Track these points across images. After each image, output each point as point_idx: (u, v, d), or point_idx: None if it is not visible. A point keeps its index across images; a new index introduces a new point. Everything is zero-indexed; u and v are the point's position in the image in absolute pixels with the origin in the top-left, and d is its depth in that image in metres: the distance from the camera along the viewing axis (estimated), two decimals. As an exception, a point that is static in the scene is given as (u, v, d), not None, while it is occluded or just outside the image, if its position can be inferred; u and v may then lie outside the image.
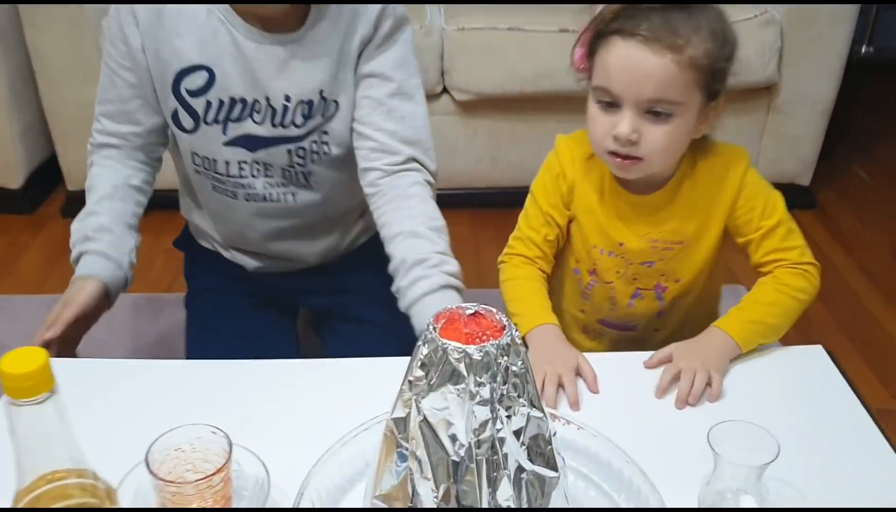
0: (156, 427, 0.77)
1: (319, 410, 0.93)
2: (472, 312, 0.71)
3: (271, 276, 1.34)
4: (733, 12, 2.08)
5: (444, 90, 2.19)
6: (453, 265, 1.09)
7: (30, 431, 0.60)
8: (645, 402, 0.96)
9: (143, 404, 0.94)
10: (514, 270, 1.15)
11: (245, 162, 1.17)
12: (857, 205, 2.40)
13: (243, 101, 1.13)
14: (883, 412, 1.56)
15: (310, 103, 1.14)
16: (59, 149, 2.21)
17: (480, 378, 0.67)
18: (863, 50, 2.52)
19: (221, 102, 1.13)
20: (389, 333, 1.14)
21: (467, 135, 2.24)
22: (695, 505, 0.81)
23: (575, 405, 0.95)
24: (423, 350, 0.69)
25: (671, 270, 1.12)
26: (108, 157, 1.21)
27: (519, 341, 0.70)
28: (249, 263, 1.32)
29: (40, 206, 2.32)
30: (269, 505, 0.80)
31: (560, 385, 0.96)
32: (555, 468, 0.73)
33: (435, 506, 0.70)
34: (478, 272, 1.96)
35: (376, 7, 1.12)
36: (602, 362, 1.00)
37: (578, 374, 0.98)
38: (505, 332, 0.69)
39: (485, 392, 0.67)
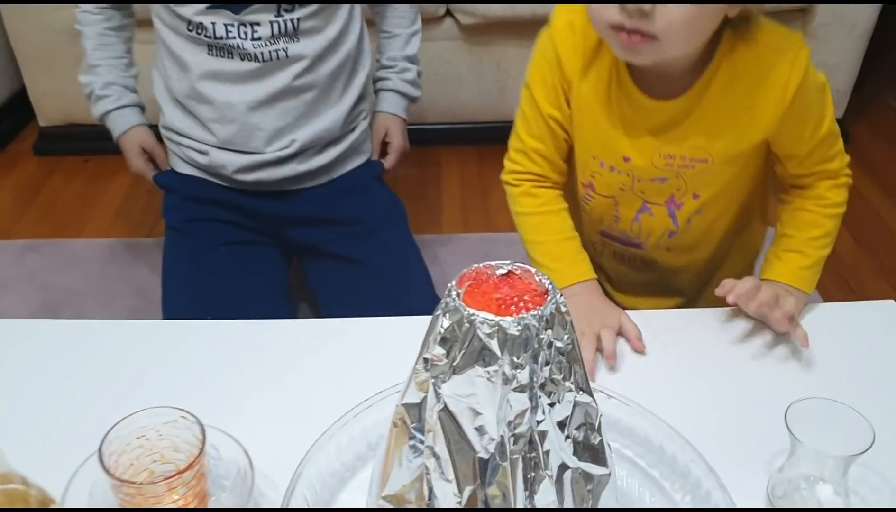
0: (118, 404, 0.64)
1: (314, 382, 0.80)
2: (504, 271, 0.56)
3: (255, 196, 1.33)
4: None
5: (448, 13, 2.01)
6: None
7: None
8: (700, 370, 0.82)
9: (105, 374, 0.80)
10: (529, 200, 0.98)
11: (231, 24, 1.20)
12: (891, 140, 2.24)
13: None
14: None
15: None
16: (28, 80, 2.03)
17: (518, 358, 0.52)
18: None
19: None
20: (387, 280, 1.18)
21: (473, 63, 2.07)
22: (764, 496, 0.68)
23: (611, 358, 0.82)
24: (443, 322, 0.54)
25: (688, 185, 0.94)
26: (88, 11, 1.36)
27: (564, 309, 0.55)
28: (234, 160, 1.30)
29: (10, 144, 2.15)
30: (253, 500, 0.67)
31: (598, 350, 0.82)
32: (604, 463, 0.59)
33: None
34: (486, 215, 1.80)
35: None
36: (650, 319, 0.86)
37: (620, 334, 0.85)
38: (548, 298, 0.54)
39: (523, 376, 0.53)
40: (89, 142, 2.01)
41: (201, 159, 1.31)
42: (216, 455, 0.68)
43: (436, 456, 0.56)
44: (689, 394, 0.79)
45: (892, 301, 0.93)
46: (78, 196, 1.96)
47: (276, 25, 1.21)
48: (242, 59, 1.23)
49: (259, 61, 1.23)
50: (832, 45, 2.04)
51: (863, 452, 0.63)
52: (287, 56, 1.23)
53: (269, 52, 1.22)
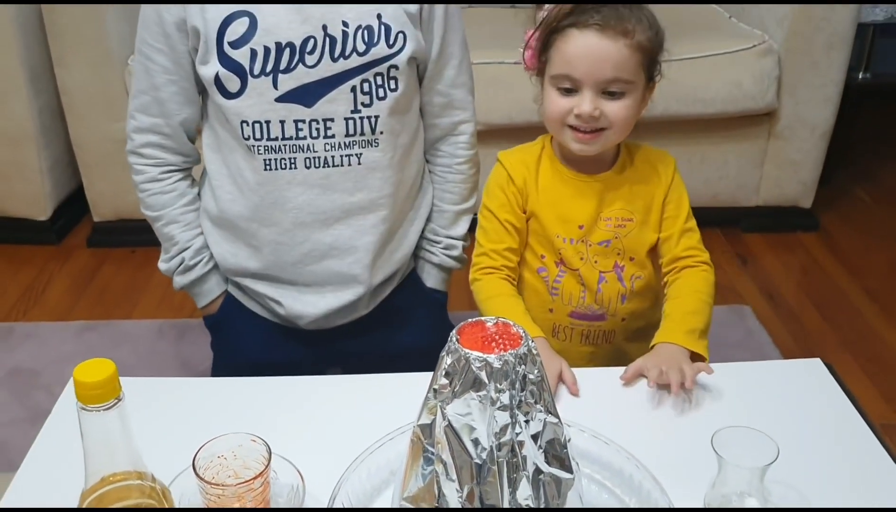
0: (192, 439, 0.82)
1: (347, 423, 0.98)
2: (492, 323, 0.77)
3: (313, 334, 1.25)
4: (732, 42, 2.18)
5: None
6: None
7: (96, 435, 0.67)
8: (649, 412, 1.02)
9: (176, 419, 1.00)
10: (489, 288, 1.21)
11: (302, 121, 1.11)
12: (859, 227, 2.46)
13: (291, 46, 1.08)
14: (887, 427, 1.62)
15: (369, 29, 1.11)
16: (86, 181, 2.29)
17: (500, 385, 0.73)
18: (860, 76, 2.59)
19: (267, 50, 1.08)
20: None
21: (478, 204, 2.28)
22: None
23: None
24: (447, 360, 0.76)
25: (625, 247, 1.21)
26: (148, 162, 1.21)
27: (535, 352, 0.76)
28: (309, 312, 1.21)
29: (66, 237, 2.40)
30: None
31: None
32: (570, 470, 0.79)
33: (460, 505, 0.76)
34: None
35: None
36: (606, 375, 1.07)
37: (561, 380, 1.06)
38: (522, 342, 0.75)
39: (504, 398, 0.74)
40: (136, 235, 2.25)
41: (278, 310, 1.24)
42: (274, 477, 0.87)
43: (443, 462, 0.76)
44: (639, 430, 0.98)
45: (818, 359, 1.13)
46: (127, 282, 2.20)
47: (351, 123, 1.14)
48: (308, 167, 1.14)
49: (328, 167, 1.14)
50: (797, 144, 2.28)
51: (771, 463, 0.83)
52: (360, 163, 1.16)
53: (342, 156, 1.15)
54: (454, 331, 0.77)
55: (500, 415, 0.74)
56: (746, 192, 2.37)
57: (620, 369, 1.09)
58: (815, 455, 0.94)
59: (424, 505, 0.78)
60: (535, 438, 0.76)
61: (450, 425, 0.75)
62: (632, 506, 0.87)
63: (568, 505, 0.79)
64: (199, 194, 1.25)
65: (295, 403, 1.03)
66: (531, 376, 0.75)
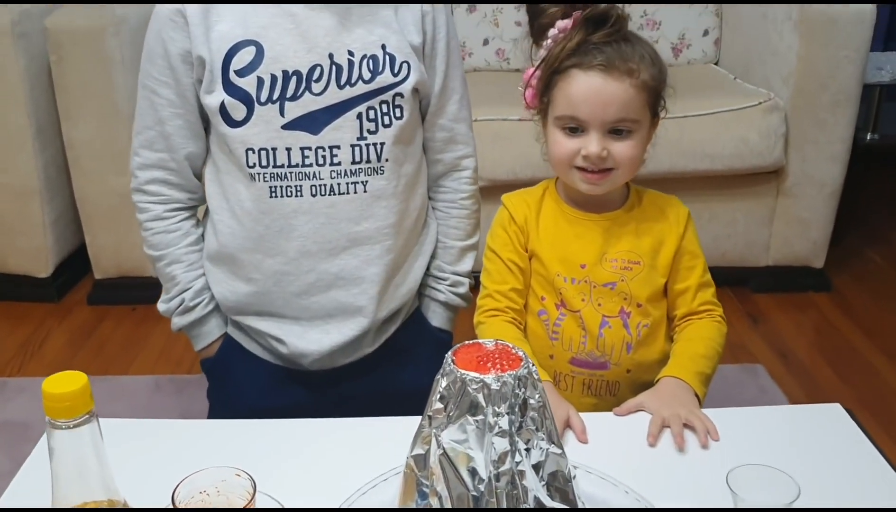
0: (174, 480, 0.76)
1: (340, 465, 0.94)
2: (491, 345, 0.73)
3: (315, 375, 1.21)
4: (738, 100, 2.18)
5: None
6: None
7: (66, 456, 0.62)
8: (660, 457, 0.96)
9: (158, 460, 0.94)
10: (494, 331, 1.17)
11: (308, 148, 1.10)
12: (872, 288, 2.41)
13: (298, 74, 1.08)
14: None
15: (374, 58, 1.11)
16: (88, 236, 2.28)
17: (499, 408, 0.69)
18: (868, 137, 2.59)
19: (274, 78, 1.08)
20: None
21: (481, 217, 2.28)
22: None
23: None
24: (441, 383, 0.71)
25: (632, 292, 1.16)
26: (153, 200, 1.18)
27: (536, 376, 0.72)
28: (312, 349, 1.18)
29: (67, 294, 2.38)
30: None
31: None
32: (575, 506, 0.73)
33: (455, 543, 0.71)
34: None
35: None
36: (615, 420, 1.03)
37: (569, 425, 1.01)
38: (522, 363, 0.71)
39: (503, 423, 0.69)
40: (137, 291, 2.24)
41: (281, 349, 1.20)
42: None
43: (438, 495, 0.71)
44: (650, 474, 0.93)
45: (837, 404, 1.07)
46: (126, 338, 2.16)
47: (357, 150, 1.12)
48: (314, 195, 1.13)
49: (334, 195, 1.12)
50: (806, 202, 2.26)
51: (793, 502, 0.77)
52: (366, 190, 1.14)
53: (348, 183, 1.13)
54: (449, 352, 0.73)
55: (499, 441, 0.69)
56: (756, 251, 2.33)
57: (629, 415, 1.04)
58: (837, 499, 0.87)
59: (418, 544, 0.73)
60: (536, 468, 0.71)
61: (445, 454, 0.71)
62: (642, 548, 0.81)
63: (573, 545, 0.73)
64: (202, 235, 1.23)
65: (286, 444, 0.98)
66: (532, 401, 0.71)
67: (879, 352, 2.08)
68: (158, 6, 1.11)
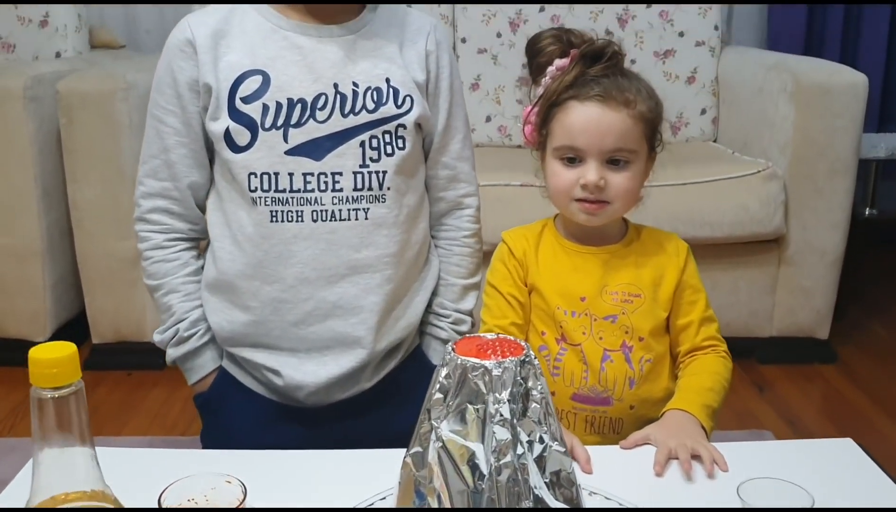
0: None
1: (336, 493, 0.89)
2: (491, 337, 0.72)
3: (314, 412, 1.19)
4: (737, 169, 2.21)
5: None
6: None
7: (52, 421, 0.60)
8: (666, 489, 0.93)
9: (152, 487, 0.91)
10: None
11: (311, 174, 1.11)
12: (879, 360, 2.38)
13: (302, 102, 1.11)
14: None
15: (378, 90, 1.13)
16: (88, 298, 2.26)
17: (500, 395, 0.67)
18: (867, 212, 2.61)
19: (279, 105, 1.10)
20: None
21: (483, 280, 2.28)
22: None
23: None
24: (441, 373, 0.69)
25: (633, 325, 1.14)
26: (154, 229, 1.19)
27: (538, 367, 0.70)
28: (308, 382, 1.16)
29: (63, 359, 2.35)
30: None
31: None
32: (579, 507, 0.70)
33: (454, 544, 0.67)
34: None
35: (425, 24, 1.21)
36: (621, 453, 1.01)
37: (573, 457, 0.96)
38: (524, 351, 0.69)
39: (504, 411, 0.67)
40: (134, 356, 2.22)
41: (276, 382, 1.17)
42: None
43: (437, 493, 0.68)
44: (657, 501, 0.89)
45: (850, 439, 1.04)
46: (120, 402, 2.12)
47: (359, 177, 1.13)
48: (315, 220, 1.12)
49: (335, 220, 1.12)
50: (807, 270, 2.25)
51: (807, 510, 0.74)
52: (367, 217, 1.14)
53: (349, 210, 1.13)
54: (450, 344, 0.71)
55: (500, 430, 0.67)
56: (760, 321, 2.32)
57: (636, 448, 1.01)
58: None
59: (416, 548, 0.69)
60: (538, 462, 0.68)
61: (444, 447, 0.68)
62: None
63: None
64: (202, 267, 1.22)
65: (278, 474, 0.95)
66: (534, 393, 0.69)
67: (888, 418, 2.04)
68: (170, 39, 1.14)
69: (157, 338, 1.21)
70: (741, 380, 2.22)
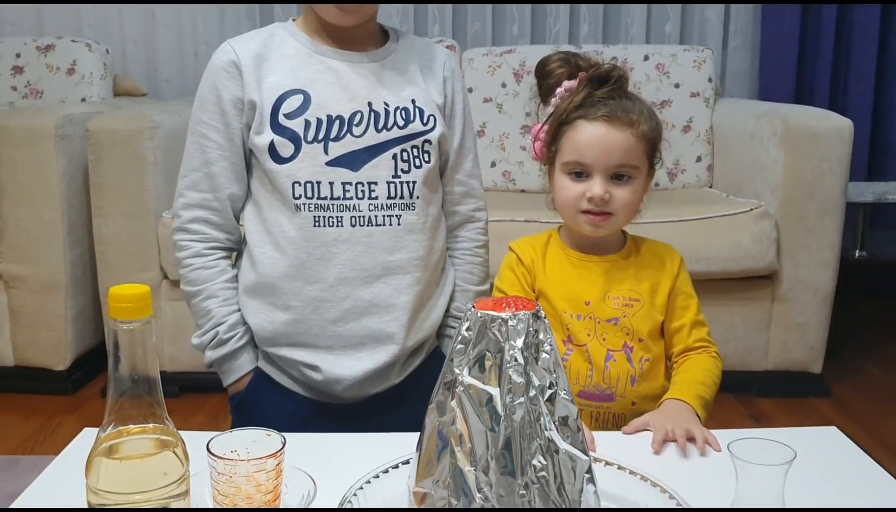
0: None
1: (368, 454, 0.95)
2: (508, 298, 0.81)
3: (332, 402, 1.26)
4: (730, 207, 2.32)
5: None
6: None
7: (123, 353, 0.69)
8: (664, 465, 1.01)
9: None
10: None
11: (349, 183, 1.21)
12: (872, 396, 2.44)
13: (340, 118, 1.22)
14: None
15: (406, 110, 1.25)
16: (107, 330, 2.34)
17: (515, 343, 0.76)
18: (857, 254, 2.71)
19: (319, 121, 1.21)
20: None
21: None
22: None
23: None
24: (463, 326, 0.78)
25: (634, 327, 1.24)
26: (194, 238, 1.27)
27: (547, 322, 0.79)
28: (347, 376, 1.24)
29: (82, 389, 2.42)
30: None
31: None
32: (585, 452, 0.78)
33: (474, 479, 0.75)
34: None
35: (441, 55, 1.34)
36: (622, 438, 1.09)
37: None
38: (536, 308, 0.78)
39: (519, 357, 0.75)
40: (150, 386, 2.28)
41: (315, 377, 1.25)
42: (286, 491, 0.86)
43: (458, 433, 0.77)
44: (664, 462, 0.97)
45: (834, 427, 1.12)
46: (137, 427, 2.19)
47: (392, 187, 1.23)
48: (353, 225, 1.22)
49: (371, 225, 1.22)
50: (800, 307, 2.34)
51: (790, 462, 0.82)
52: (399, 223, 1.24)
53: (384, 216, 1.23)
54: (470, 303, 0.80)
55: (515, 375, 0.75)
56: (755, 356, 2.39)
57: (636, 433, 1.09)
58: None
59: (441, 485, 0.77)
60: (548, 404, 0.77)
61: (465, 390, 0.76)
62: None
63: (583, 490, 0.78)
64: (237, 276, 1.31)
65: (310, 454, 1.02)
66: (545, 345, 0.78)
67: (884, 448, 2.09)
68: (214, 60, 1.26)
69: (195, 341, 1.29)
70: (738, 412, 2.29)
